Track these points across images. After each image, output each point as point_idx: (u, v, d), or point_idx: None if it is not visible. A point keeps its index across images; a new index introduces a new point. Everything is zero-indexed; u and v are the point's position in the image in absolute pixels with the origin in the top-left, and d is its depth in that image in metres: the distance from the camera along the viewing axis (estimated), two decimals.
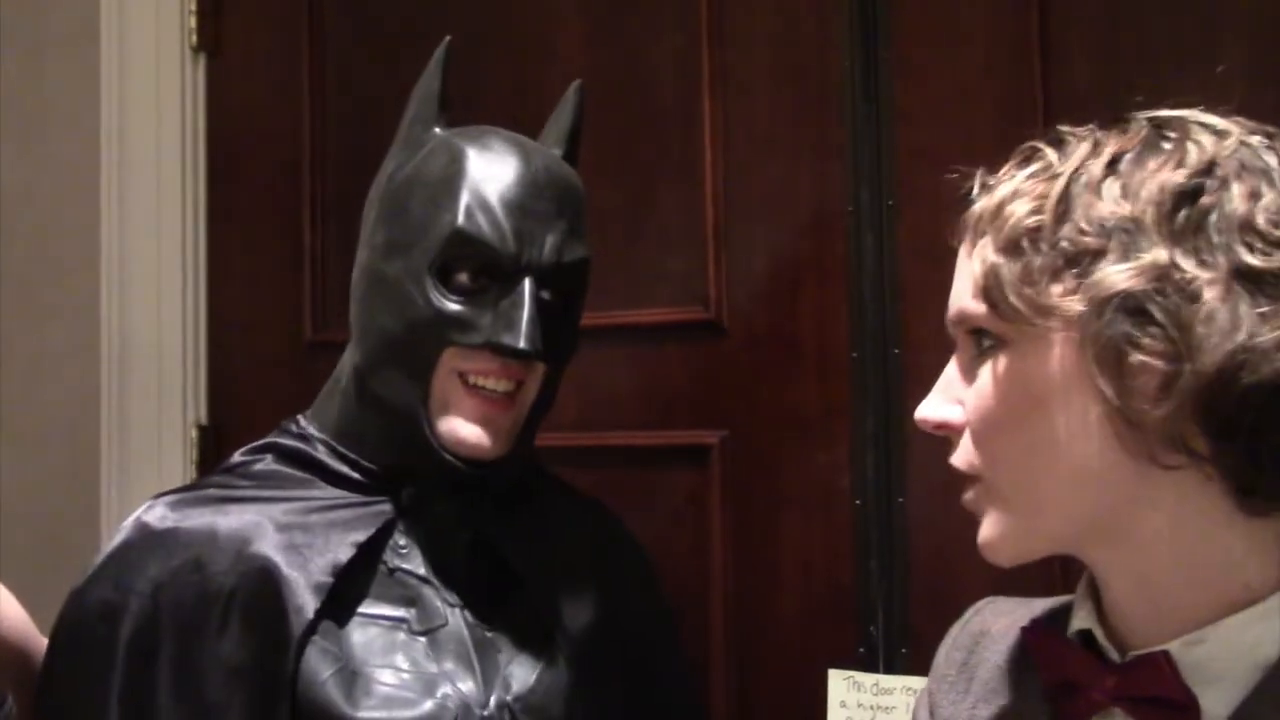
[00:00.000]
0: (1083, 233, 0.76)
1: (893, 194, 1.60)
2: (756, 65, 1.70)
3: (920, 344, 1.55)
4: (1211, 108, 0.81)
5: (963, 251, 0.84)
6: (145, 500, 1.19)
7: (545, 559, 1.20)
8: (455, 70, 1.24)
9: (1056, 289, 0.76)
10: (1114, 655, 0.81)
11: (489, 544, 1.18)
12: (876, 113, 1.62)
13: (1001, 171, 0.83)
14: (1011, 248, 0.78)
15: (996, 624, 0.95)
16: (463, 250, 1.11)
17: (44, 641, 1.14)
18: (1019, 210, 0.78)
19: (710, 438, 1.69)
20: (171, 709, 1.07)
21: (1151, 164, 0.77)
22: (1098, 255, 0.75)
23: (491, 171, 1.12)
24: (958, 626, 0.99)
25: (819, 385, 1.64)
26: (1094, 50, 1.52)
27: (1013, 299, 0.77)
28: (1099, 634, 0.83)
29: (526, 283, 1.10)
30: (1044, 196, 0.78)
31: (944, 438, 0.85)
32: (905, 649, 1.55)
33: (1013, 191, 0.80)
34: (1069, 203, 0.77)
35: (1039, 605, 0.94)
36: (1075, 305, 0.75)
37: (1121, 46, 1.51)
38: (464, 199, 1.11)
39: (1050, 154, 0.81)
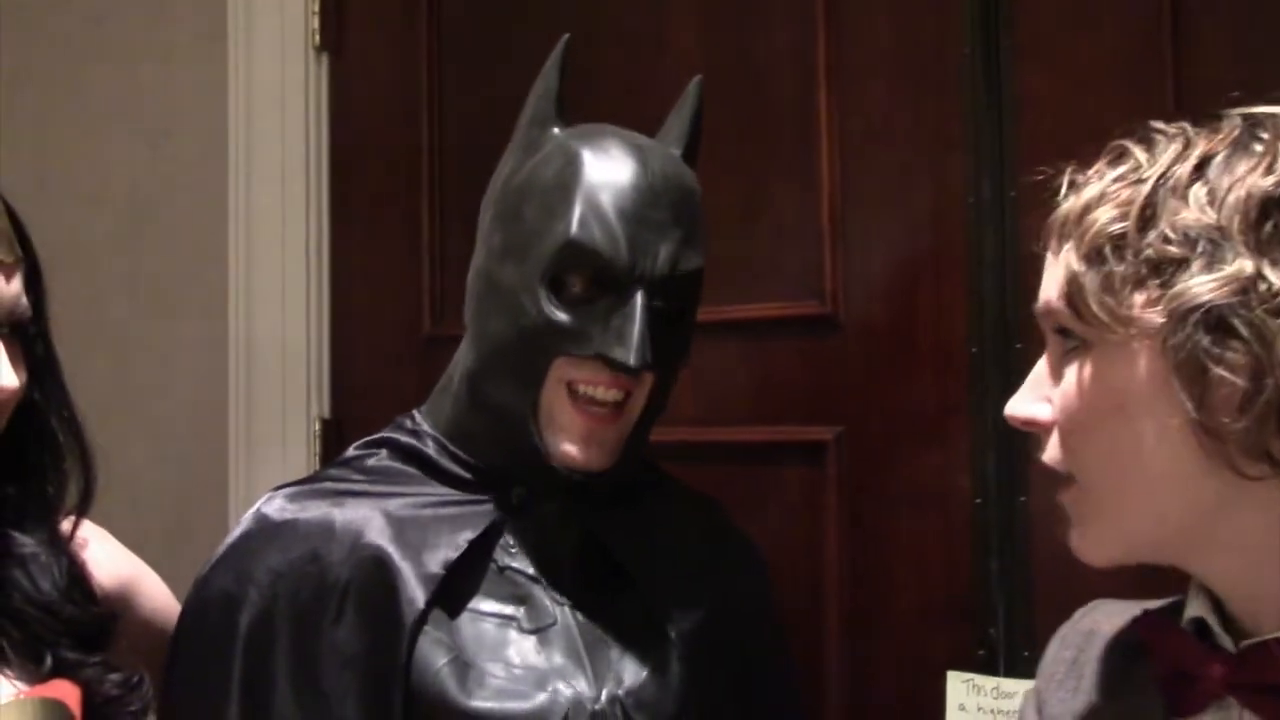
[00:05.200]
0: (1167, 241, 0.75)
1: (1014, 185, 1.55)
2: (873, 54, 1.67)
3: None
4: None
5: (1050, 248, 0.84)
6: (270, 491, 1.21)
7: (655, 557, 1.19)
8: (569, 67, 1.23)
9: (1139, 298, 0.75)
10: (1227, 643, 0.81)
11: (598, 543, 1.18)
12: (998, 101, 1.58)
13: (1091, 170, 0.82)
14: (1094, 255, 0.77)
15: (1106, 624, 0.94)
16: (575, 260, 1.09)
17: None
18: (1103, 217, 0.78)
19: (826, 434, 1.67)
20: (290, 696, 1.08)
21: (1240, 168, 0.75)
22: (1181, 265, 0.74)
23: (607, 178, 1.10)
24: (1067, 626, 0.98)
25: (937, 381, 1.61)
26: (1229, 32, 1.46)
27: (1094, 307, 0.77)
28: (1213, 622, 0.82)
29: (639, 295, 1.09)
30: (1129, 203, 0.77)
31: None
32: (1028, 652, 1.51)
33: (1099, 195, 0.79)
34: (1154, 209, 0.76)
35: (1153, 605, 0.92)
36: (1156, 317, 0.74)
37: (1259, 27, 1.44)
38: (578, 208, 1.10)
39: (1139, 154, 0.80)
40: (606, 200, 1.10)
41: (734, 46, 1.76)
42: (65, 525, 1.06)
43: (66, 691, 0.98)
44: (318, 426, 2.08)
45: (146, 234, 2.21)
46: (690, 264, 1.12)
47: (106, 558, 1.12)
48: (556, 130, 1.17)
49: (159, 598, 1.20)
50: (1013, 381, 1.52)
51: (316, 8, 2.10)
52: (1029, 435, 1.50)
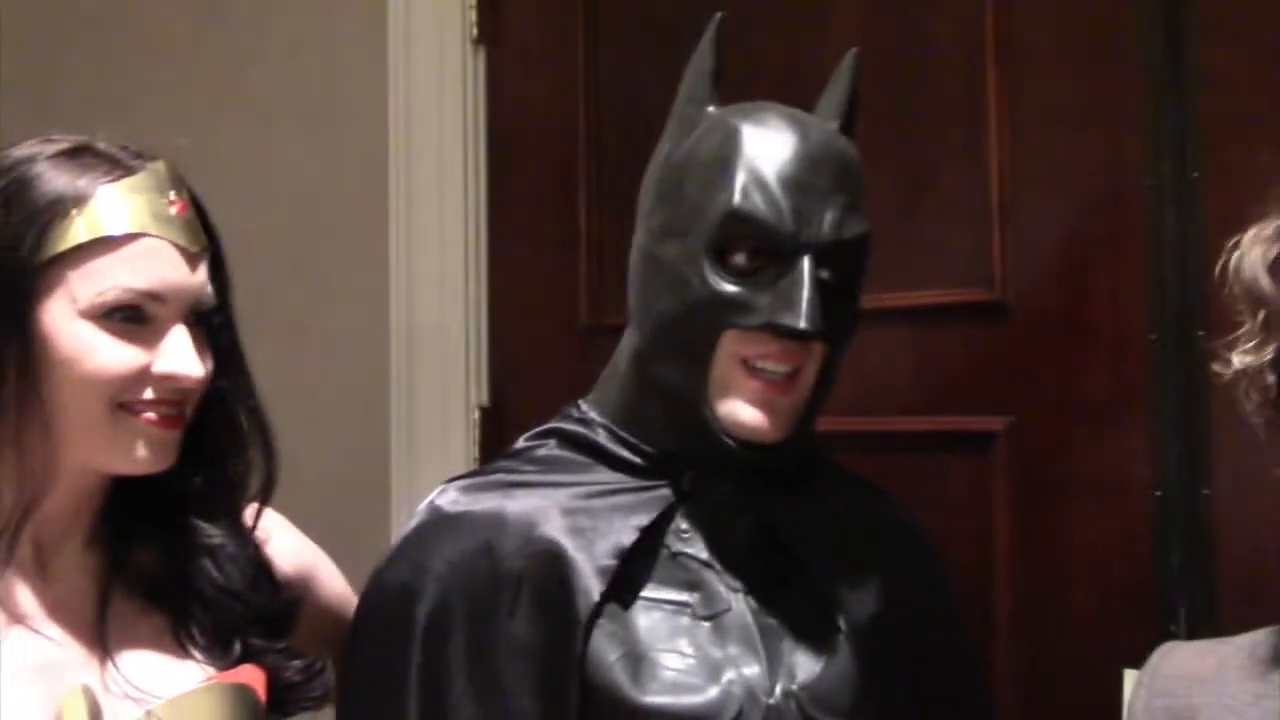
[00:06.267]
0: None
1: (1197, 166, 1.49)
2: (1045, 29, 1.62)
3: (1228, 326, 1.44)
4: None
5: None
6: (432, 477, 1.23)
7: (828, 545, 1.17)
8: (728, 49, 1.22)
9: None
10: None
11: (771, 529, 1.17)
12: (1179, 77, 1.51)
13: None
14: None
15: (1200, 665, 0.89)
16: (739, 230, 1.09)
17: None
18: None
19: (996, 424, 1.62)
20: (466, 687, 1.09)
21: None
22: None
23: (767, 148, 1.10)
24: (1147, 676, 0.93)
25: (1114, 370, 1.55)
26: None
27: None
28: None
29: (805, 261, 1.08)
30: None
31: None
32: None
33: None
34: None
35: (1242, 641, 0.89)
36: None
37: None
38: (739, 178, 1.10)
39: None
40: (767, 170, 1.09)
41: (898, 27, 1.72)
42: (248, 514, 1.08)
43: (254, 677, 1.01)
44: (477, 415, 2.10)
45: (309, 225, 2.26)
46: (855, 230, 1.11)
47: (288, 546, 1.15)
48: (712, 109, 1.17)
49: (336, 585, 1.22)
50: (1196, 371, 1.48)
51: (474, 1, 2.12)
52: (1214, 426, 1.45)
